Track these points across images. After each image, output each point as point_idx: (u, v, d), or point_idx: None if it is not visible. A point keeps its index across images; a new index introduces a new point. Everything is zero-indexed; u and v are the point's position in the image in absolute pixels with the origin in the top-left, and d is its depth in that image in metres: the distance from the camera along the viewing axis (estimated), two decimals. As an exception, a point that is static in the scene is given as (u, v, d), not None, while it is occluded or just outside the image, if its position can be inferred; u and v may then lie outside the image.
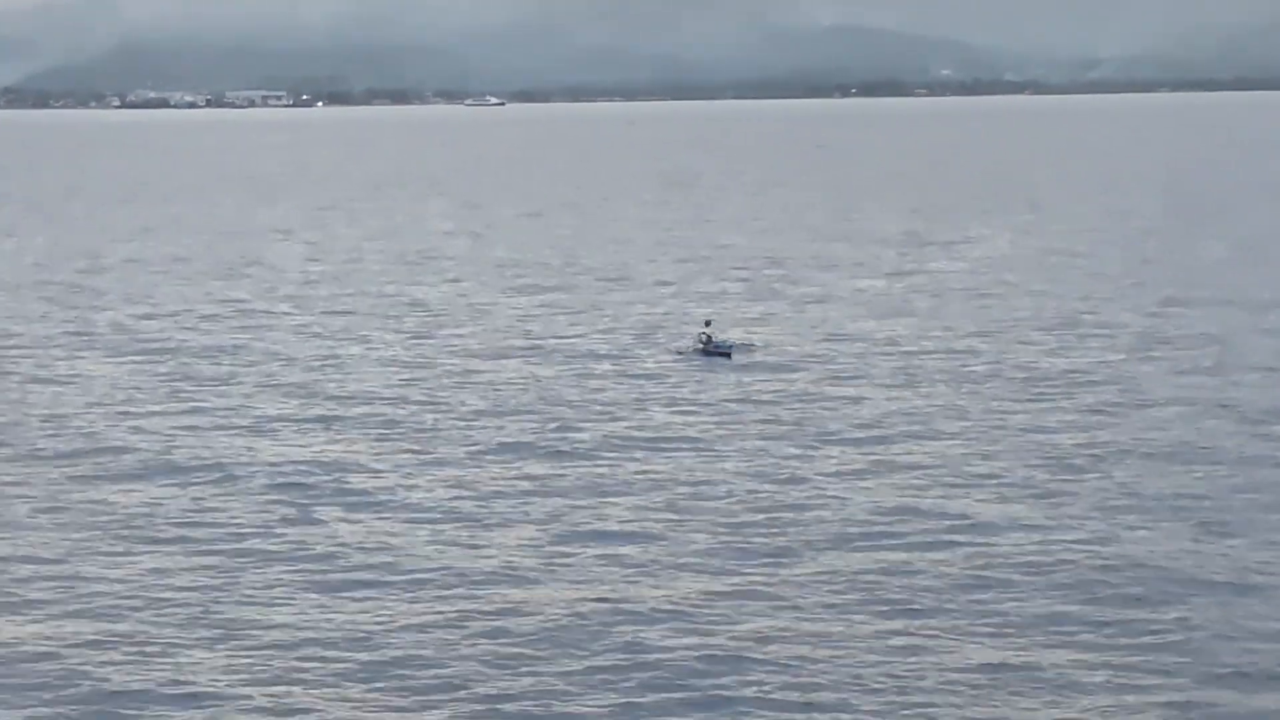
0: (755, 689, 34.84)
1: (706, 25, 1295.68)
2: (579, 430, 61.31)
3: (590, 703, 34.46)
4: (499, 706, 34.20)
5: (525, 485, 52.86)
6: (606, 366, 76.23)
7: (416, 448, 58.56)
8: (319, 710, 34.15)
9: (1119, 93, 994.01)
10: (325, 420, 63.01)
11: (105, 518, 48.82)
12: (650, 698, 34.59)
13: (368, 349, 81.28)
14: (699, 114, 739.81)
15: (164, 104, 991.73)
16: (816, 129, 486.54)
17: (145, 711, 34.09)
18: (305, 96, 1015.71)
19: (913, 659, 36.01)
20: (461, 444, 58.90)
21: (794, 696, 34.38)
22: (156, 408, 66.07)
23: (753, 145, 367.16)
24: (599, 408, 66.07)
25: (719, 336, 79.54)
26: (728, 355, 77.85)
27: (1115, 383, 68.02)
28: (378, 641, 37.86)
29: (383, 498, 51.23)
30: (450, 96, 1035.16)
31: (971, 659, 35.90)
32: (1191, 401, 63.89)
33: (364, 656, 36.92)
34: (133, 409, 65.98)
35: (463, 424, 62.37)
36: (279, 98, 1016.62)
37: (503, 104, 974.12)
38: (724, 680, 35.29)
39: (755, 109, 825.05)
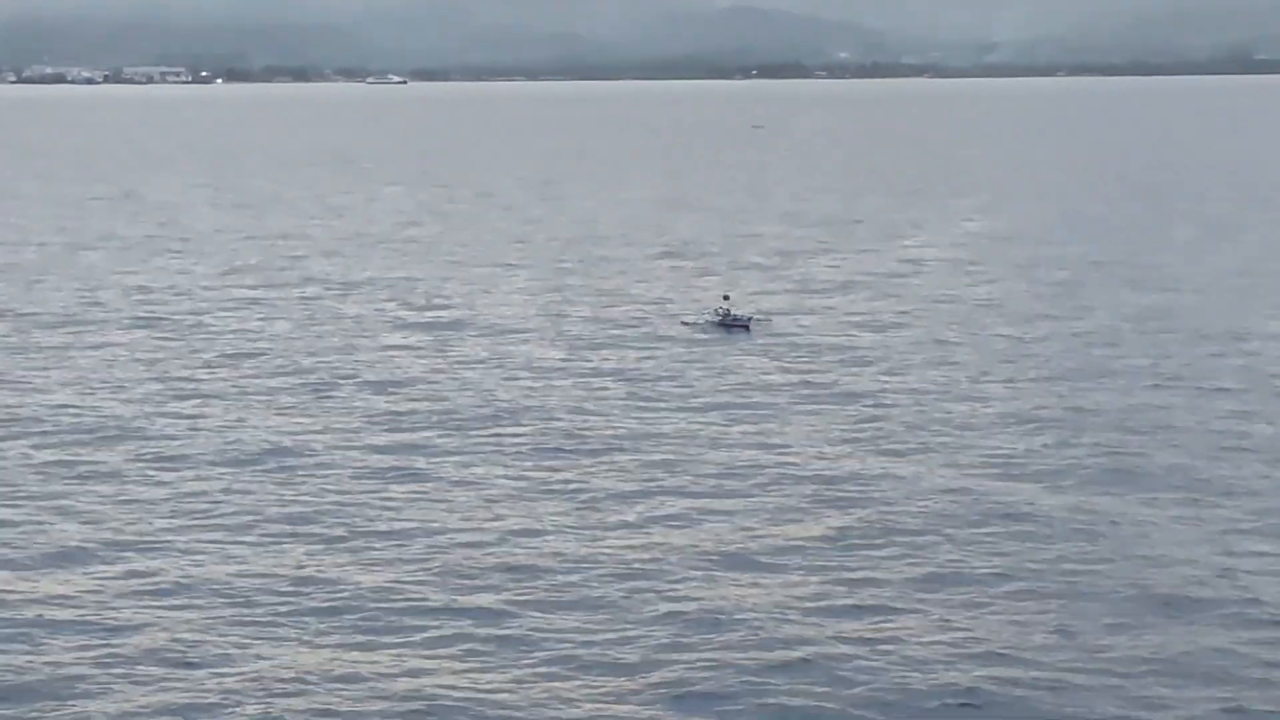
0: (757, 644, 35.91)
1: (606, 5, 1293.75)
2: (616, 401, 62.86)
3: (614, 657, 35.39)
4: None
5: (569, 450, 54.35)
6: (630, 337, 78.32)
7: (442, 414, 60.09)
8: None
9: (1017, 76, 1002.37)
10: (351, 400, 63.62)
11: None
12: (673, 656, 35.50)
13: (388, 327, 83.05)
14: (609, 95, 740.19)
15: (61, 79, 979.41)
16: (741, 110, 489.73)
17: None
18: (205, 73, 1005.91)
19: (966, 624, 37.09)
20: (491, 419, 59.61)
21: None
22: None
23: (688, 126, 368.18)
24: (630, 377, 67.93)
25: (736, 311, 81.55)
26: (746, 328, 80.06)
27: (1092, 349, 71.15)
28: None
29: (422, 466, 52.41)
30: (351, 74, 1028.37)
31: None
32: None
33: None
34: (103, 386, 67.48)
35: (490, 399, 63.34)
36: (178, 74, 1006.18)
37: (404, 82, 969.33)
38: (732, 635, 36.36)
39: (664, 90, 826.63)
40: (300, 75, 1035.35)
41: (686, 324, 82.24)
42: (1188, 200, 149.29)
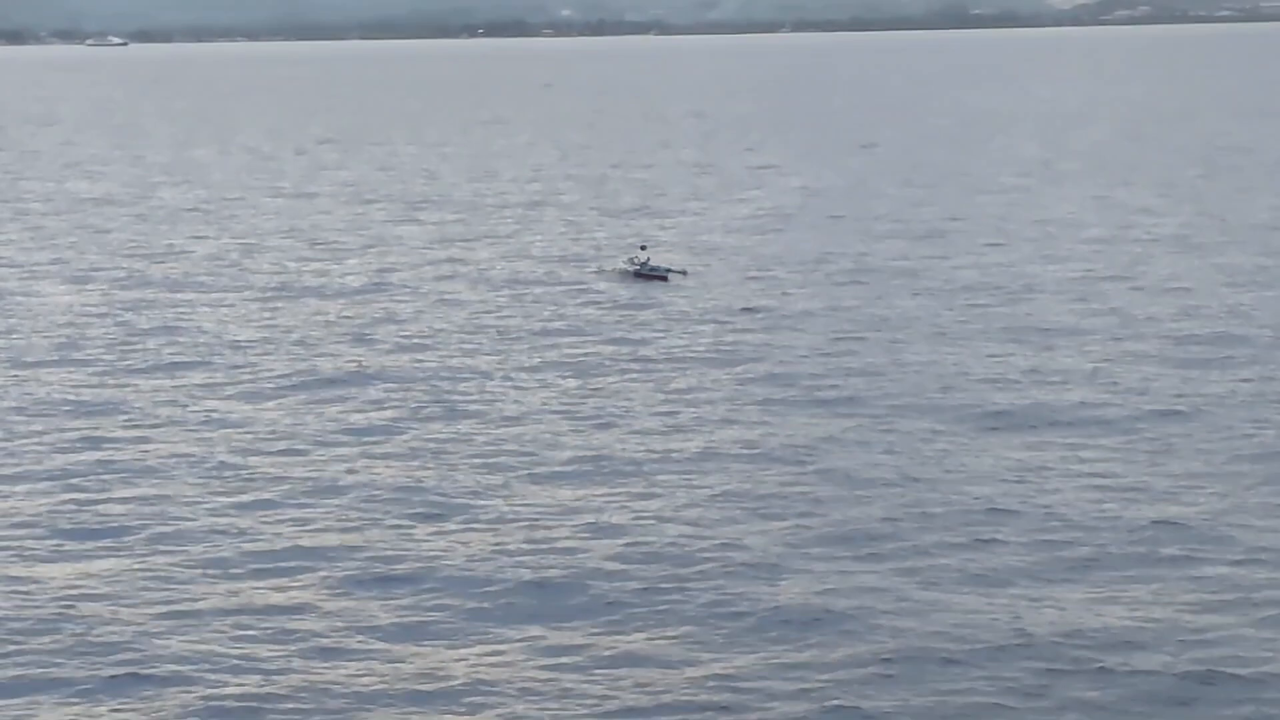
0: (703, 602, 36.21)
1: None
2: (546, 348, 63.77)
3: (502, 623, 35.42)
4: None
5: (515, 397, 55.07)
6: (541, 289, 78.74)
7: (346, 369, 60.42)
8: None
9: (741, 33, 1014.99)
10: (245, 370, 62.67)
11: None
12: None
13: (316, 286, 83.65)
14: (347, 55, 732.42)
15: None
16: (507, 68, 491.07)
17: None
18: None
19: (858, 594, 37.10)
20: (415, 372, 59.86)
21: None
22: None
23: (469, 85, 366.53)
24: (556, 326, 68.84)
25: (654, 262, 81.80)
26: (664, 278, 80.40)
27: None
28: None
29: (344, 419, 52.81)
30: (67, 36, 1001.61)
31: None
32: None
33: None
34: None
35: (413, 348, 64.02)
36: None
37: (125, 44, 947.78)
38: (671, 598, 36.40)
39: (396, 49, 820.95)
40: (14, 37, 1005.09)
41: (604, 271, 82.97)
42: (912, 151, 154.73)
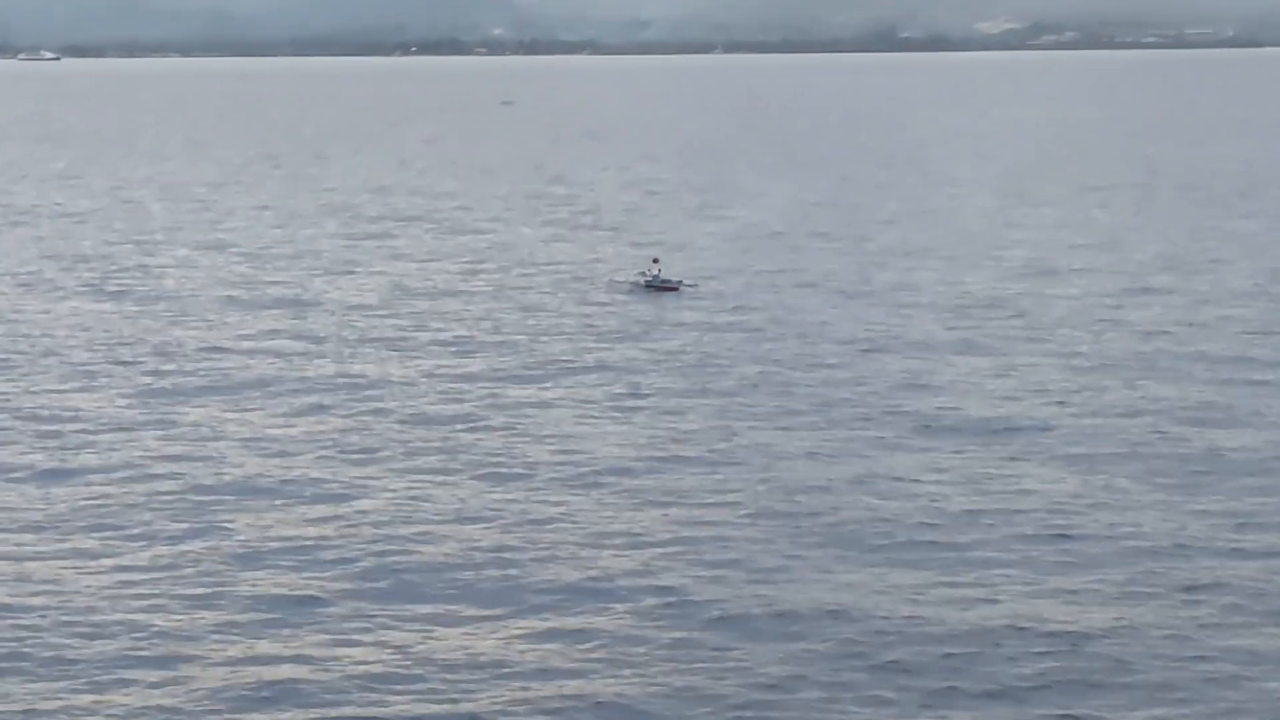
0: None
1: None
2: (559, 355, 66.90)
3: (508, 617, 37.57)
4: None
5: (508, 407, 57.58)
6: (558, 300, 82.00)
7: (380, 380, 63.03)
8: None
9: (673, 53, 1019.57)
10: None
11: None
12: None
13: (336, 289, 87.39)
14: (282, 72, 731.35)
15: None
16: (454, 85, 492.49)
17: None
18: None
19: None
20: (426, 379, 62.78)
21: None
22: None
23: (429, 104, 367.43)
24: (569, 335, 71.85)
25: (664, 274, 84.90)
26: (676, 289, 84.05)
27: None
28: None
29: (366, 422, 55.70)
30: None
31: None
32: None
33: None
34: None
35: (427, 361, 66.65)
36: None
37: (58, 59, 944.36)
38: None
39: (331, 67, 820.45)
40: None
41: (616, 282, 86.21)
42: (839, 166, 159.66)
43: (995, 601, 37.81)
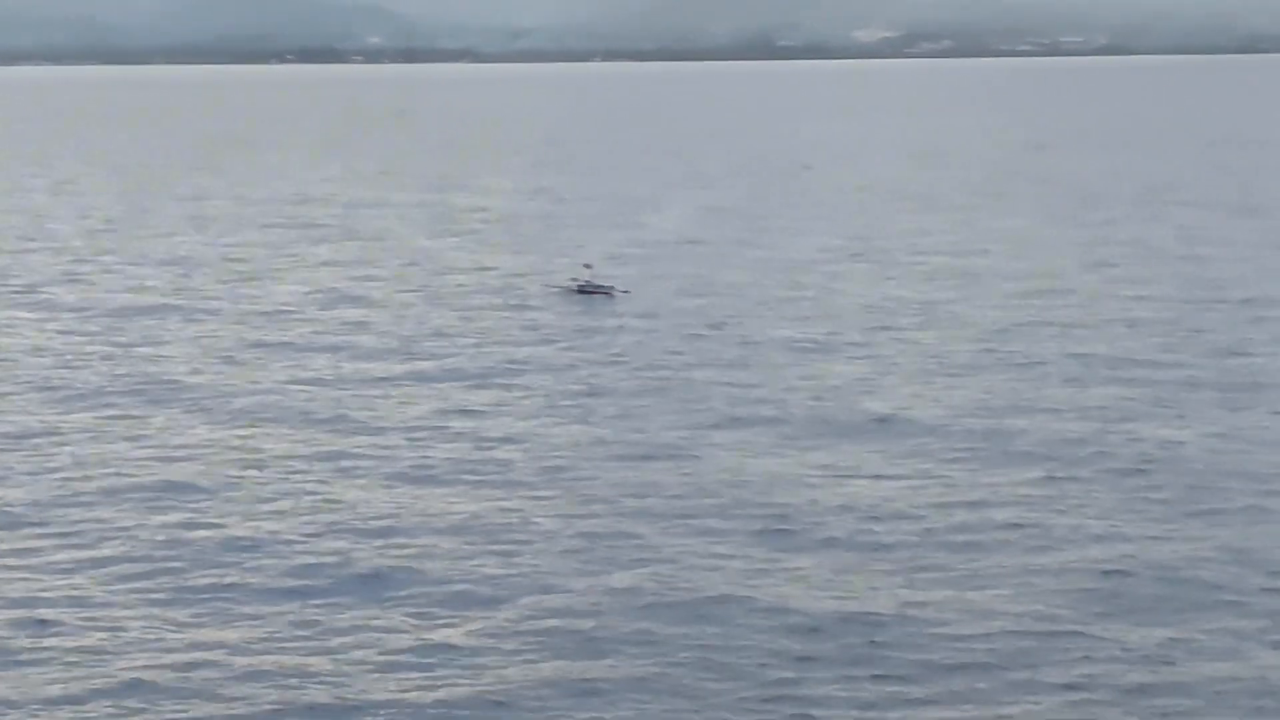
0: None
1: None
2: (494, 359, 67.92)
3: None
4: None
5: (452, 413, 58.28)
6: (494, 302, 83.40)
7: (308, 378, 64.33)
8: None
9: (552, 61, 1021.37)
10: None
11: None
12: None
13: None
14: (158, 80, 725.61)
15: None
16: (340, 94, 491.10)
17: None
18: None
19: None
20: (359, 382, 63.83)
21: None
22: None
23: (319, 113, 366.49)
24: (503, 337, 73.11)
25: (596, 280, 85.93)
26: (609, 294, 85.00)
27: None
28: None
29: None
30: None
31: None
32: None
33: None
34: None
35: (363, 361, 67.88)
36: None
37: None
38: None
39: (212, 75, 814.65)
40: None
41: (550, 288, 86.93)
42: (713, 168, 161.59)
43: (909, 589, 39.29)
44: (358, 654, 35.58)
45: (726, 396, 60.16)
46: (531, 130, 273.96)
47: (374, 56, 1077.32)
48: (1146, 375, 63.43)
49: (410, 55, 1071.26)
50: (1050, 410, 57.25)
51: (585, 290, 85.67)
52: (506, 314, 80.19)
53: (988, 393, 60.30)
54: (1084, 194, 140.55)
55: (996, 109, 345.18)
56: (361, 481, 49.19)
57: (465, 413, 58.18)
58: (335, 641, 36.34)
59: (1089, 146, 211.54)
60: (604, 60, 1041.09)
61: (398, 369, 66.49)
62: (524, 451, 52.55)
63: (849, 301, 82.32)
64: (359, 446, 53.41)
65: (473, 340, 72.79)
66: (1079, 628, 36.64)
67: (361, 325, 77.17)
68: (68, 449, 53.44)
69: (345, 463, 51.30)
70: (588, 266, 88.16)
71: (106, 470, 50.66)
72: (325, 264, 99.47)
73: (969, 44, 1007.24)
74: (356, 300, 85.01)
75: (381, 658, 35.42)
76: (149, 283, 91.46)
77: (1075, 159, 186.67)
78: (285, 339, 73.48)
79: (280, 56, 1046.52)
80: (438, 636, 36.60)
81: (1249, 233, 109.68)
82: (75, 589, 39.79)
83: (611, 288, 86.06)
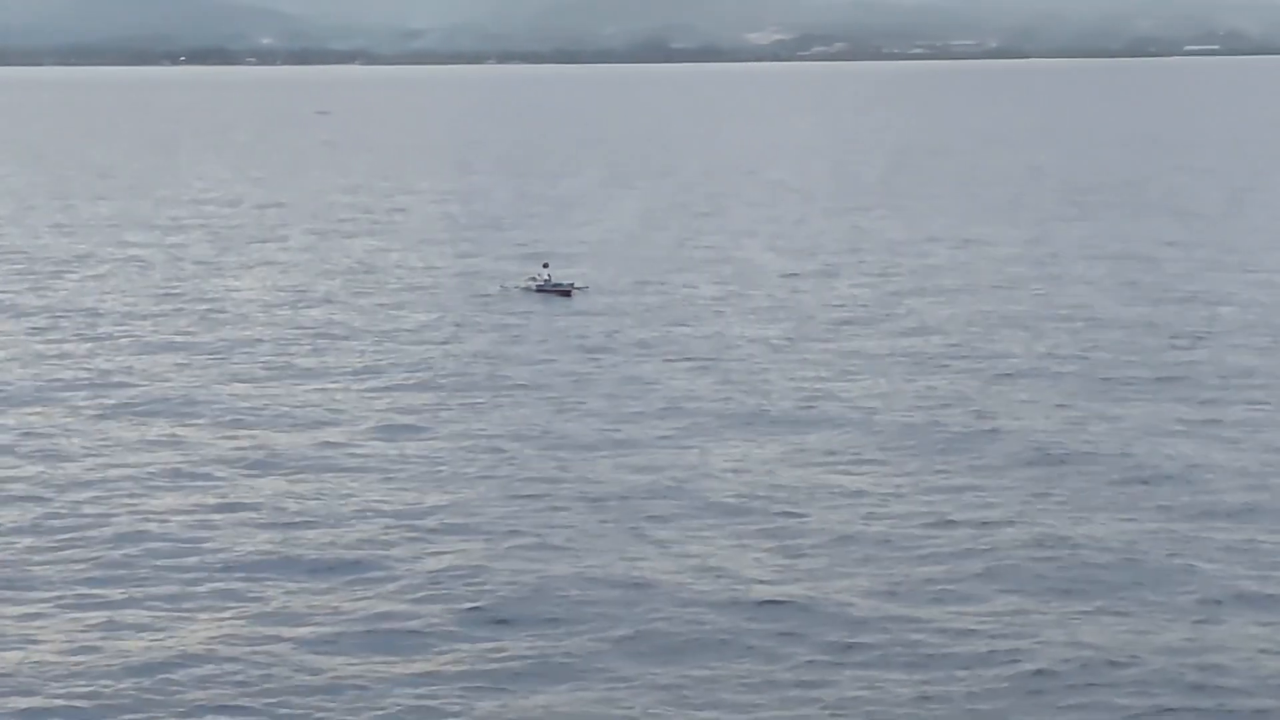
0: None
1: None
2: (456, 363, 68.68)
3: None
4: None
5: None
6: (453, 302, 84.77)
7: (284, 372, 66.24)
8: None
9: (445, 64, 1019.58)
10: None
11: None
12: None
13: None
14: (47, 82, 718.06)
15: None
16: (243, 95, 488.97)
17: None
18: None
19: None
20: (329, 376, 65.53)
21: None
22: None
23: (237, 113, 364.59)
24: (463, 340, 74.17)
25: (556, 279, 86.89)
26: (567, 294, 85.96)
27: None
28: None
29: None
30: None
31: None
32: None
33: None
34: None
35: (330, 354, 69.87)
36: None
37: None
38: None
39: (101, 76, 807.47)
40: None
41: (508, 288, 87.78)
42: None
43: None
44: (309, 641, 36.84)
45: (691, 392, 61.92)
46: (452, 132, 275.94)
47: (266, 58, 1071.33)
48: (1086, 370, 65.62)
49: (303, 57, 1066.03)
50: (992, 410, 59.03)
51: (544, 290, 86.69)
52: (467, 317, 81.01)
53: (931, 389, 62.10)
54: (1010, 194, 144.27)
55: (903, 110, 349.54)
56: (324, 476, 50.45)
57: (423, 411, 59.28)
58: (286, 631, 37.55)
59: (1000, 147, 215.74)
60: (498, 62, 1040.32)
61: (358, 369, 67.53)
62: (487, 445, 53.93)
63: (805, 299, 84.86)
64: (324, 442, 54.55)
65: (439, 340, 73.91)
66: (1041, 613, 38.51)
67: (324, 326, 78.31)
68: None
69: (312, 459, 52.49)
70: (545, 266, 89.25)
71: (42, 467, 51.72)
72: (273, 265, 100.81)
73: (861, 47, 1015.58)
74: (319, 301, 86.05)
75: (331, 644, 36.73)
76: (86, 284, 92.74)
77: (991, 160, 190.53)
78: (241, 341, 74.50)
79: (173, 58, 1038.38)
80: (416, 624, 38.03)
81: (1180, 232, 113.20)
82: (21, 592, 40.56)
83: (571, 286, 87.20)
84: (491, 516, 46.08)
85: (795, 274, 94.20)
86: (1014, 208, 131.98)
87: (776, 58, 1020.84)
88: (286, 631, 37.53)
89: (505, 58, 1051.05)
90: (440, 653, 36.38)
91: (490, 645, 36.77)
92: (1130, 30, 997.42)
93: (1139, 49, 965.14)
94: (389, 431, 56.38)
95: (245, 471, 51.32)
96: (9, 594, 40.35)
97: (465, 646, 36.66)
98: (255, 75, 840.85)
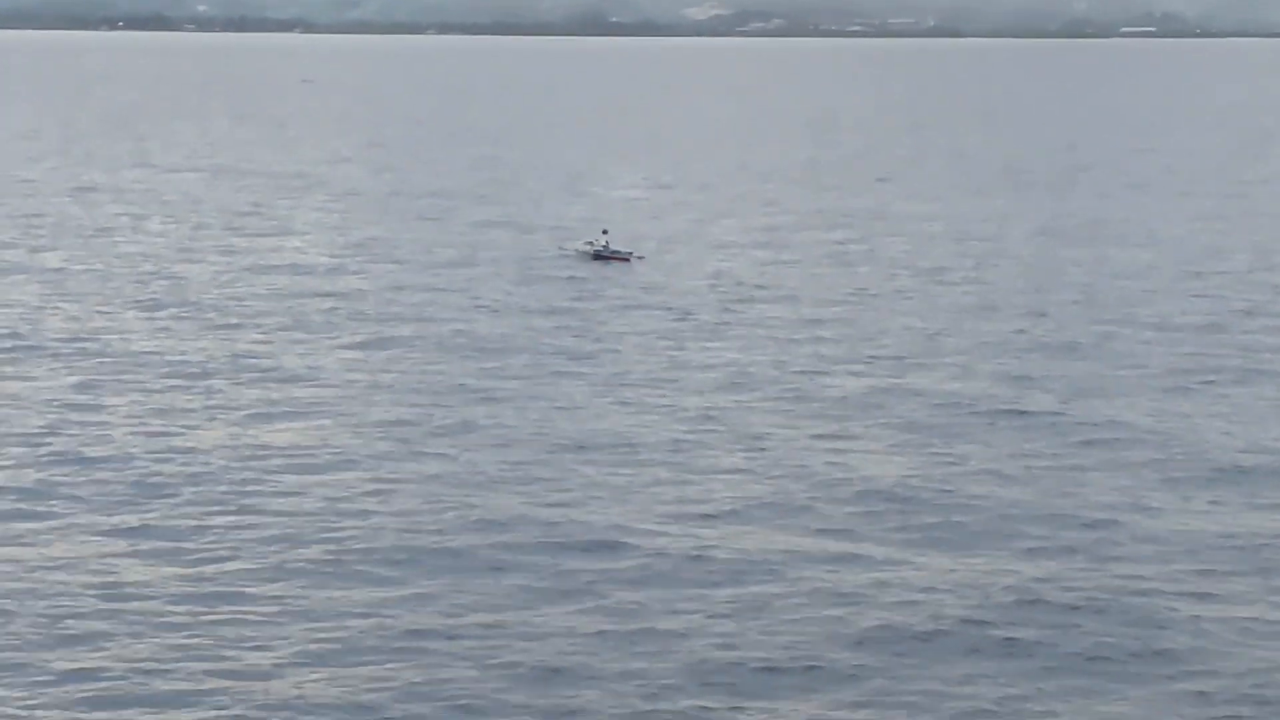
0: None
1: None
2: (524, 328, 70.53)
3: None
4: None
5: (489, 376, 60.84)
6: (510, 267, 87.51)
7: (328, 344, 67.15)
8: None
9: (384, 33, 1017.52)
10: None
11: None
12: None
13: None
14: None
15: None
16: (197, 63, 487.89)
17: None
18: None
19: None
20: (383, 346, 66.48)
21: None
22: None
23: (218, 80, 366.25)
24: (532, 303, 76.38)
25: (614, 246, 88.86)
26: (626, 260, 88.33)
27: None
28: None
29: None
30: None
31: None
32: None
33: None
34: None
35: (379, 326, 70.86)
36: None
37: None
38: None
39: (38, 40, 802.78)
40: None
41: (565, 251, 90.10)
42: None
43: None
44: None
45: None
46: (436, 102, 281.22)
47: (205, 24, 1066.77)
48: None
49: (241, 24, 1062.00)
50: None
51: (601, 256, 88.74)
52: (526, 279, 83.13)
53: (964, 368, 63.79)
54: (994, 171, 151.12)
55: (849, 88, 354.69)
56: (429, 449, 51.23)
57: (476, 375, 61.00)
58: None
59: (964, 125, 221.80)
60: (438, 33, 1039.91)
61: (411, 334, 69.46)
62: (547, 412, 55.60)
63: (839, 274, 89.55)
64: (371, 408, 56.11)
65: (494, 305, 76.15)
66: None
67: (372, 291, 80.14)
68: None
69: (370, 419, 54.24)
70: (605, 233, 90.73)
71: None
72: (331, 227, 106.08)
73: (799, 23, 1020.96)
74: (360, 273, 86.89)
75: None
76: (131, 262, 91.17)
77: (953, 138, 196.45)
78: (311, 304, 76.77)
79: (111, 23, 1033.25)
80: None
81: (1144, 209, 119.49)
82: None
83: (630, 253, 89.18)
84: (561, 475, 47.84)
85: (841, 242, 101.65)
86: (999, 183, 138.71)
87: (715, 33, 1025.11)
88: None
89: (445, 29, 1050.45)
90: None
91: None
92: (1067, 11, 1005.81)
93: (1076, 30, 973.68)
94: (446, 396, 57.50)
95: (318, 438, 52.14)
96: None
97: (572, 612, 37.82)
98: (196, 41, 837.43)
